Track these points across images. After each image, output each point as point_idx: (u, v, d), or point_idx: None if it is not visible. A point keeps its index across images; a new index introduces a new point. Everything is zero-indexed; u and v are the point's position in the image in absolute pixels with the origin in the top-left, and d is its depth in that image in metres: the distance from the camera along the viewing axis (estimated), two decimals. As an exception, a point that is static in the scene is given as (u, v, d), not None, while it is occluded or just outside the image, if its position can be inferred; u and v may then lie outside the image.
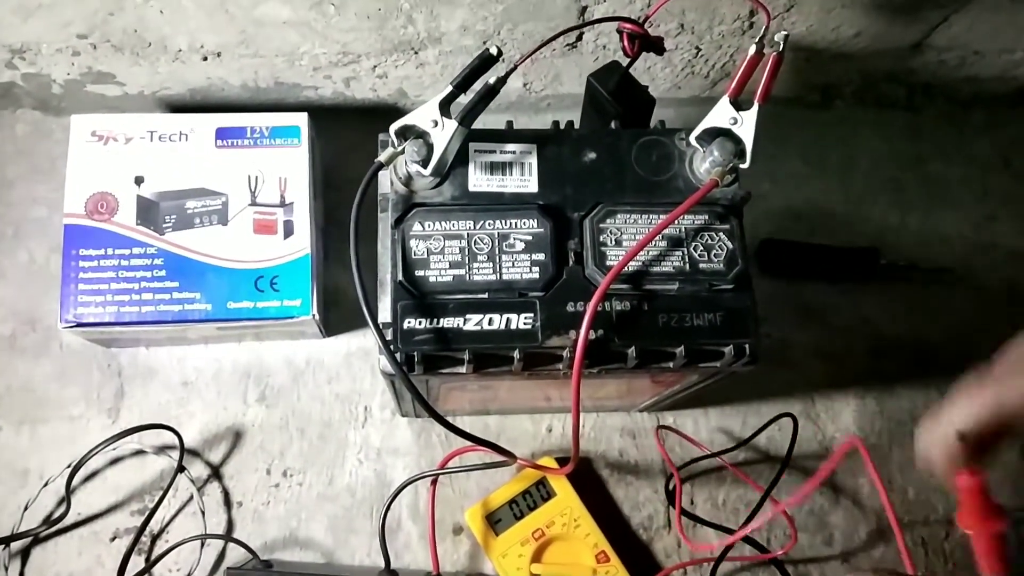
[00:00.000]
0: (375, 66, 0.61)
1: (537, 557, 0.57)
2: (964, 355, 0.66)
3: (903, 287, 0.68)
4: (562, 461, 0.59)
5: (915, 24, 0.60)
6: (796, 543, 0.60)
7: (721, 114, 0.42)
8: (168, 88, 0.62)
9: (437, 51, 0.59)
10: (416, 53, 0.59)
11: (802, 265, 0.68)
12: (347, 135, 0.63)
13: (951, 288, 0.68)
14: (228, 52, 0.58)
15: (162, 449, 0.58)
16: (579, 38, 0.59)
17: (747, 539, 0.60)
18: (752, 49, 0.40)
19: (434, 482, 0.57)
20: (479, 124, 0.43)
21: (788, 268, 0.68)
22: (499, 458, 0.49)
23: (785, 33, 0.39)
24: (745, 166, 0.42)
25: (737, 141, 0.42)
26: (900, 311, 0.68)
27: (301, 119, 0.58)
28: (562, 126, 0.46)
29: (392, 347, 0.40)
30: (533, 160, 0.44)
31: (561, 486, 0.59)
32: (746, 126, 0.42)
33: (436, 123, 0.41)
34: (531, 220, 0.43)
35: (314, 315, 0.55)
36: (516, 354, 0.41)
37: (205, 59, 0.58)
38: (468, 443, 0.45)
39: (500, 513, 0.58)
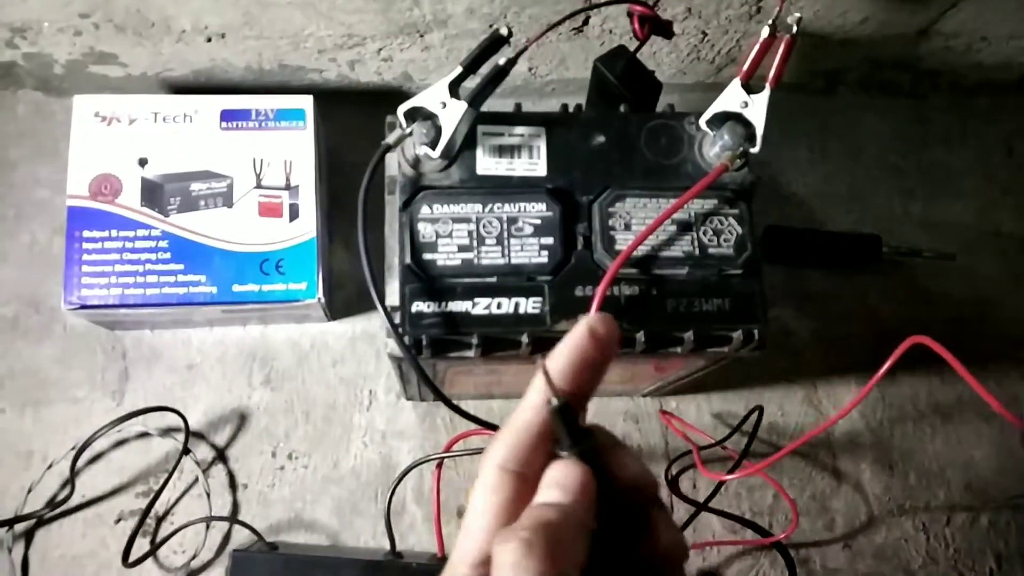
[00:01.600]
0: (380, 49, 0.60)
1: (541, 540, 0.57)
2: (966, 342, 0.67)
3: (905, 274, 0.68)
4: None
5: (924, 10, 0.60)
6: (797, 527, 0.60)
7: (732, 98, 0.42)
8: (171, 70, 0.62)
9: (443, 34, 0.59)
10: (422, 36, 0.59)
11: (805, 252, 0.68)
12: (351, 119, 0.62)
13: (953, 275, 0.68)
14: (232, 33, 0.57)
15: (167, 431, 0.58)
16: (585, 22, 0.58)
17: (749, 523, 0.61)
18: (765, 31, 0.40)
19: (439, 465, 0.58)
20: (485, 108, 0.42)
21: (791, 254, 0.68)
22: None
23: (799, 15, 0.39)
24: (755, 150, 0.42)
25: (747, 125, 0.42)
26: (902, 298, 0.68)
27: (306, 102, 0.58)
28: (570, 109, 0.46)
29: (400, 330, 0.40)
30: (542, 143, 0.44)
31: (565, 470, 0.59)
32: (756, 110, 0.41)
33: (445, 105, 0.41)
34: (540, 204, 0.43)
35: (320, 298, 0.55)
36: (524, 338, 0.41)
37: (209, 40, 0.58)
38: (473, 427, 0.45)
39: (504, 497, 0.58)
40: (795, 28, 0.40)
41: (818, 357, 0.66)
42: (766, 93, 0.41)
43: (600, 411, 0.63)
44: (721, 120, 0.42)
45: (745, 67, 0.41)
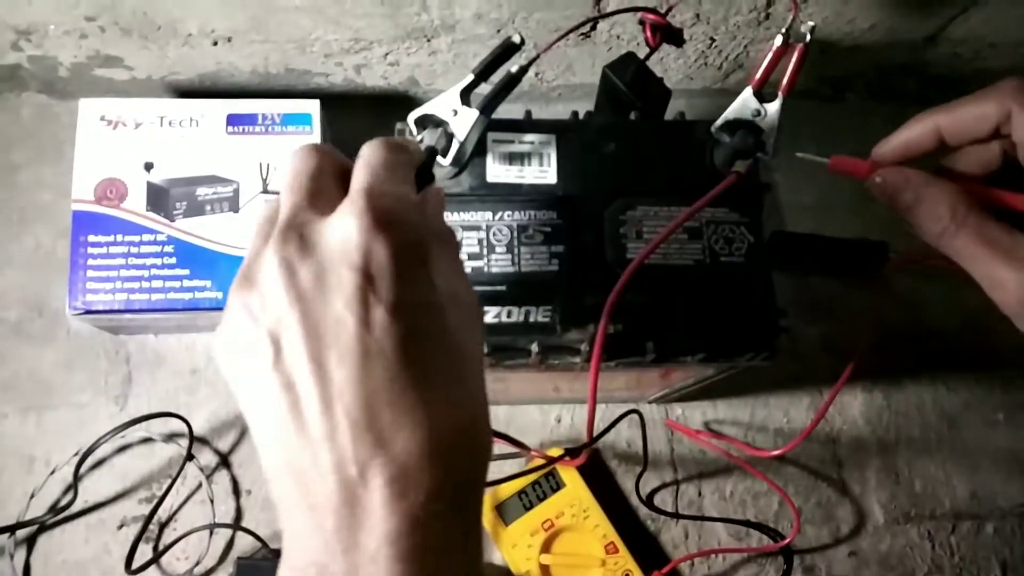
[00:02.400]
0: (387, 53, 0.60)
1: (546, 548, 0.57)
2: (972, 349, 0.67)
3: (912, 281, 0.68)
4: (572, 452, 0.59)
5: (932, 16, 0.60)
6: (799, 532, 0.60)
7: (744, 106, 0.41)
8: (177, 73, 0.61)
9: (450, 39, 0.58)
10: (429, 41, 0.59)
11: (811, 258, 0.67)
12: (356, 123, 0.62)
13: (959, 282, 0.68)
14: (239, 37, 0.57)
15: (170, 437, 0.58)
16: (593, 28, 0.58)
17: (756, 525, 0.61)
18: (778, 40, 0.40)
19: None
20: (494, 114, 0.42)
21: (797, 260, 0.67)
22: (511, 449, 0.49)
23: (812, 24, 0.39)
24: (768, 159, 0.42)
25: (759, 133, 0.42)
26: (908, 305, 0.68)
27: (313, 106, 0.57)
28: (580, 116, 0.46)
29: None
30: (552, 151, 0.44)
31: (570, 477, 0.59)
32: (769, 118, 0.41)
33: (456, 112, 0.41)
34: (550, 211, 0.42)
35: (325, 304, 0.54)
36: (534, 347, 0.41)
37: (215, 44, 0.58)
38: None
39: (509, 503, 0.58)
40: (808, 37, 0.40)
41: (823, 363, 0.66)
42: (778, 101, 0.41)
43: (606, 417, 0.62)
44: (733, 128, 0.42)
45: (758, 75, 0.41)
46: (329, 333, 0.25)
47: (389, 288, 0.26)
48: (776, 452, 0.59)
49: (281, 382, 0.25)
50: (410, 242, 0.27)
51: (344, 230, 0.26)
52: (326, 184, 0.29)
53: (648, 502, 0.60)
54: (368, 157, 0.29)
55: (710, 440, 0.62)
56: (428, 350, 0.27)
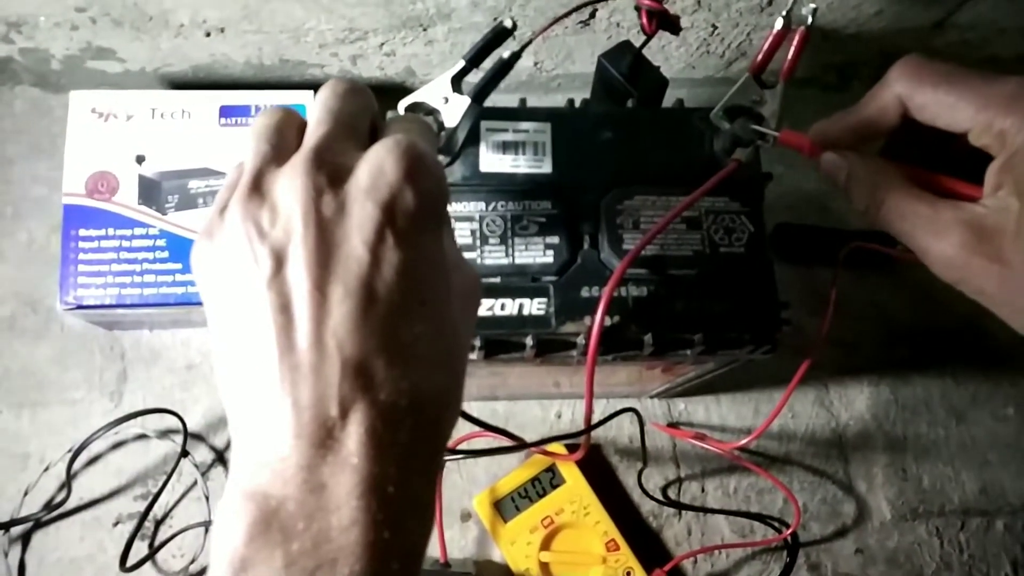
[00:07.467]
0: (383, 43, 0.59)
1: (546, 545, 0.56)
2: (981, 342, 0.66)
3: (918, 273, 0.66)
4: (571, 448, 0.58)
5: (940, 2, 0.58)
6: (799, 525, 0.59)
7: (743, 92, 0.40)
8: (170, 65, 0.61)
9: (446, 28, 0.57)
10: (425, 30, 0.58)
11: (816, 250, 0.66)
12: (353, 114, 0.61)
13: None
14: (232, 28, 0.56)
15: (165, 433, 0.57)
16: (592, 15, 0.57)
17: (758, 516, 0.60)
18: (778, 23, 0.38)
19: (441, 467, 0.56)
20: (489, 103, 0.41)
21: (802, 253, 0.66)
22: (508, 443, 0.48)
23: (814, 6, 0.38)
24: (768, 146, 0.40)
25: (760, 120, 0.40)
26: (914, 298, 0.66)
27: (307, 97, 0.56)
28: (577, 104, 0.45)
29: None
30: (547, 139, 0.43)
31: (571, 473, 0.58)
32: (769, 105, 0.40)
33: (447, 100, 0.40)
34: (545, 202, 0.41)
35: (320, 298, 0.54)
36: (529, 340, 0.40)
37: (208, 35, 0.57)
38: (476, 429, 0.44)
39: (508, 500, 0.57)
40: (810, 20, 0.38)
41: (829, 357, 0.64)
42: (779, 88, 0.40)
43: (607, 412, 0.61)
44: (732, 115, 0.41)
45: (757, 60, 0.40)
46: (339, 265, 0.25)
47: (408, 234, 0.26)
48: (740, 443, 0.59)
49: (275, 302, 0.25)
50: (436, 195, 0.27)
51: (379, 166, 0.26)
52: (362, 124, 0.29)
53: (650, 494, 0.59)
54: (401, 118, 0.33)
55: (688, 439, 0.61)
56: (429, 307, 0.27)
